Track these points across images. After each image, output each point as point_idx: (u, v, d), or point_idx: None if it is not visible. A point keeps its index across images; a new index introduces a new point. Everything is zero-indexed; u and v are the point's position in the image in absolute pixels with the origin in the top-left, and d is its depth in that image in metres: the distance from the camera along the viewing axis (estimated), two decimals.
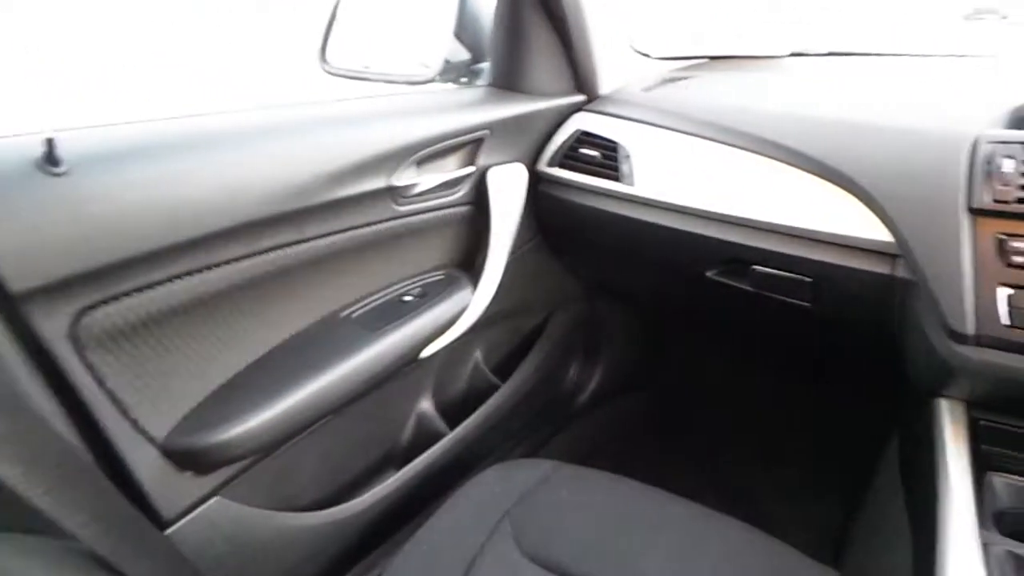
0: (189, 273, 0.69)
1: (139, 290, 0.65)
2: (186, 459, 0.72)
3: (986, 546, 0.63)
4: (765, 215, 0.89)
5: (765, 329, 1.24)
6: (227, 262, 0.73)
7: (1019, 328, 0.67)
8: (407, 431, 1.13)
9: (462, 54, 1.16)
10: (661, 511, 0.84)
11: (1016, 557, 0.62)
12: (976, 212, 0.71)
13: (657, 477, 0.88)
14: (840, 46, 1.36)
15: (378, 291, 0.95)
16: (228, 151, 0.73)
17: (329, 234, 0.83)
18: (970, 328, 0.69)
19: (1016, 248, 0.68)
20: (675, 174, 0.98)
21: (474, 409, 1.16)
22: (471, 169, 0.99)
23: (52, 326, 0.60)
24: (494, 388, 1.22)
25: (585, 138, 1.06)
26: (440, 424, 1.13)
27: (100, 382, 0.64)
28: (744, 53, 1.35)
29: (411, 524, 1.07)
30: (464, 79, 1.17)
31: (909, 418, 0.90)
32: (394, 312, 0.93)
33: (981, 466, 0.72)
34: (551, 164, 1.09)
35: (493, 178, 1.02)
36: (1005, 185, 0.70)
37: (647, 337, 1.63)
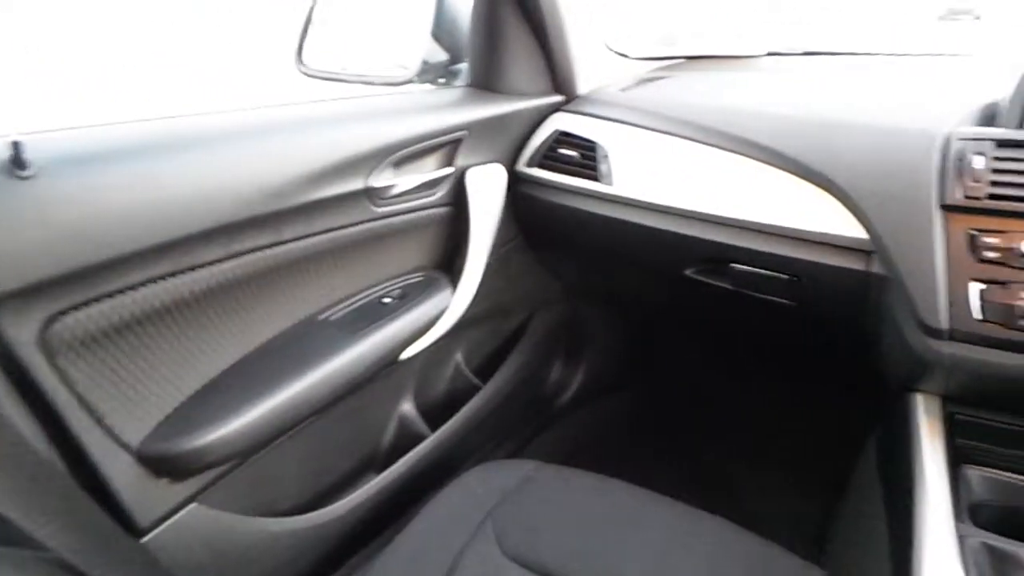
0: (163, 277, 0.68)
1: (111, 295, 0.64)
2: (162, 465, 0.71)
3: (962, 538, 0.64)
4: (742, 213, 0.89)
5: (744, 327, 1.25)
6: (202, 265, 0.72)
7: (991, 323, 0.68)
8: (388, 433, 1.12)
9: (440, 55, 1.15)
10: (644, 510, 0.84)
11: (991, 549, 0.63)
12: (948, 208, 0.72)
13: (640, 476, 0.88)
14: (840, 46, 1.37)
15: (357, 293, 0.95)
16: (202, 153, 0.72)
17: (306, 236, 0.82)
18: (943, 323, 0.70)
19: (987, 244, 0.69)
20: (653, 173, 0.98)
21: (456, 410, 1.16)
22: (450, 170, 0.99)
23: (21, 333, 0.59)
24: (476, 389, 1.21)
25: (564, 138, 1.06)
26: (422, 426, 1.13)
27: (72, 389, 0.63)
28: (721, 53, 1.36)
29: (393, 527, 1.06)
30: (442, 80, 1.16)
31: (886, 413, 0.91)
32: (374, 314, 0.92)
33: (957, 459, 0.73)
34: (530, 164, 1.09)
35: (472, 179, 1.02)
36: (976, 181, 0.71)
37: (629, 337, 1.63)
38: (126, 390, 0.68)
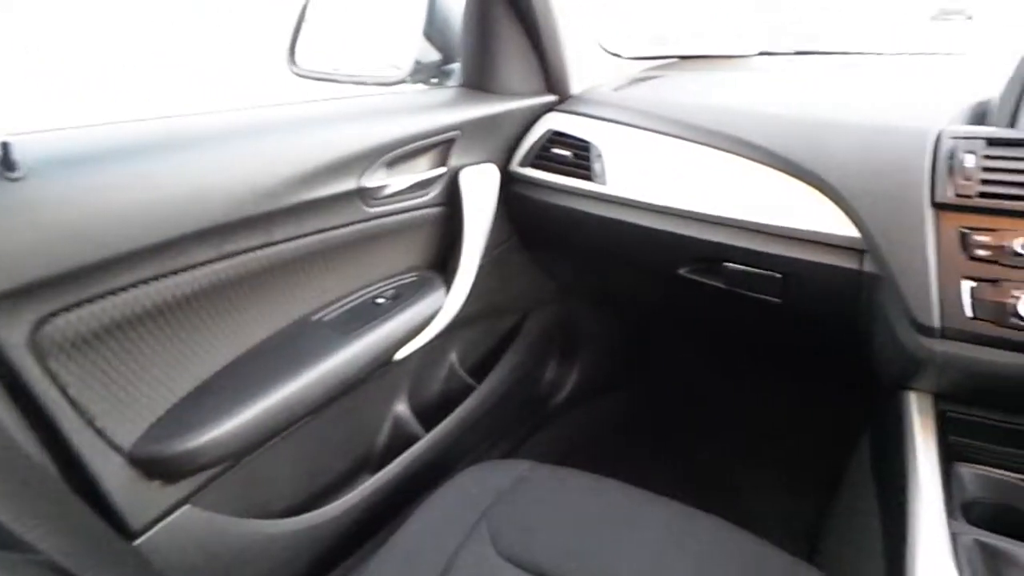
0: (155, 278, 0.68)
1: (102, 296, 0.64)
2: (154, 467, 0.71)
3: (955, 536, 0.64)
4: (735, 212, 0.89)
5: (738, 326, 1.25)
6: (194, 266, 0.71)
7: (983, 320, 0.68)
8: (383, 434, 1.12)
9: (432, 55, 1.15)
10: (638, 510, 0.84)
11: (984, 546, 0.63)
12: (939, 207, 0.72)
13: (634, 476, 0.88)
14: (832, 45, 1.38)
15: (350, 294, 0.95)
16: (194, 153, 0.72)
17: (299, 237, 0.82)
18: (935, 321, 0.70)
19: (979, 241, 0.69)
20: (646, 173, 0.98)
21: (450, 411, 1.16)
22: (443, 170, 0.99)
23: (11, 335, 0.58)
24: (470, 389, 1.21)
25: (557, 138, 1.06)
26: (416, 426, 1.13)
27: (63, 391, 0.63)
28: (714, 53, 1.36)
29: (388, 528, 1.06)
30: (435, 80, 1.16)
31: (879, 412, 0.91)
32: (367, 314, 0.92)
33: (949, 457, 0.74)
34: (523, 164, 1.09)
35: (465, 179, 1.02)
36: (967, 180, 0.71)
37: (623, 337, 1.63)
38: (118, 392, 0.68)
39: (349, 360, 0.86)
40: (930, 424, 0.77)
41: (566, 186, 1.05)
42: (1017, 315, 0.66)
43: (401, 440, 1.10)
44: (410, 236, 1.01)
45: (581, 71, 1.13)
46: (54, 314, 0.61)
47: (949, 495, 0.69)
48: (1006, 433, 0.75)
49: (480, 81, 1.09)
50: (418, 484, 1.07)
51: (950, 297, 0.70)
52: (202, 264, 0.72)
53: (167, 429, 0.72)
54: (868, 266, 0.80)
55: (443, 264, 1.06)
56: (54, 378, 0.62)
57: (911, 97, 0.96)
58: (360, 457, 1.09)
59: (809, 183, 0.83)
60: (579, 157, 1.03)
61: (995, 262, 0.69)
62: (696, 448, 1.52)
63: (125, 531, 0.69)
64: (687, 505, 0.84)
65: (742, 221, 0.89)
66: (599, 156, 1.01)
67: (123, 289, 0.66)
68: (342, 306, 0.93)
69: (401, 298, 0.97)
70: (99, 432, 0.67)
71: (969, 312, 0.69)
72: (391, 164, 0.91)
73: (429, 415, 1.15)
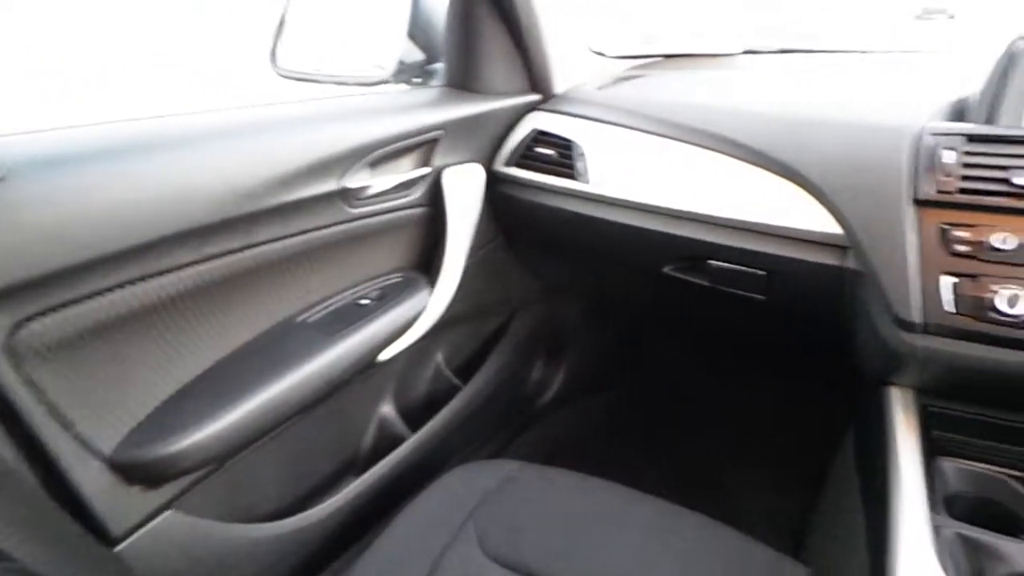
0: (133, 281, 0.67)
1: (80, 300, 0.63)
2: (135, 472, 0.70)
3: (937, 529, 0.65)
4: (719, 210, 0.89)
5: (723, 324, 1.25)
6: (174, 269, 0.71)
7: (963, 315, 0.69)
8: (368, 436, 1.12)
9: (416, 54, 1.15)
10: (625, 508, 0.84)
11: (966, 539, 0.64)
12: (920, 203, 0.73)
13: (621, 475, 0.89)
14: (817, 44, 1.39)
15: (334, 295, 0.94)
16: (174, 154, 0.71)
17: (281, 238, 0.82)
18: (916, 316, 0.71)
19: (959, 237, 0.70)
20: (630, 171, 0.98)
21: (437, 411, 1.16)
22: (426, 170, 0.98)
23: None
24: (456, 390, 1.21)
25: (541, 137, 1.06)
26: (402, 427, 1.12)
27: (40, 396, 0.62)
28: (698, 51, 1.37)
29: (374, 530, 1.05)
30: (418, 80, 1.16)
31: (862, 408, 0.92)
32: (351, 316, 0.91)
33: (931, 451, 0.74)
34: (507, 164, 1.09)
35: (449, 179, 1.01)
36: (947, 176, 0.72)
37: (610, 336, 1.64)
38: (97, 396, 0.67)
39: (333, 361, 0.86)
40: (912, 419, 0.78)
41: (550, 185, 1.05)
42: (996, 310, 0.67)
43: (387, 442, 1.09)
44: (394, 237, 1.00)
45: (565, 70, 1.13)
46: (30, 318, 0.60)
47: (931, 489, 0.69)
48: (987, 427, 0.76)
49: (464, 81, 1.09)
50: (404, 486, 1.07)
51: (931, 293, 0.70)
52: (183, 266, 0.71)
53: (148, 433, 0.71)
54: (850, 263, 0.80)
55: (428, 264, 1.06)
56: (30, 384, 0.61)
57: (893, 95, 0.97)
58: (346, 459, 1.08)
59: (792, 180, 0.83)
60: (563, 156, 1.03)
61: (975, 257, 0.69)
62: (682, 447, 1.52)
63: (105, 537, 0.69)
64: (673, 503, 0.84)
65: (726, 219, 0.89)
66: (582, 155, 1.01)
67: (102, 292, 0.65)
68: (326, 307, 0.92)
69: (385, 299, 0.96)
70: (78, 437, 0.66)
71: (950, 307, 0.70)
72: (374, 164, 0.90)
73: (415, 416, 1.15)
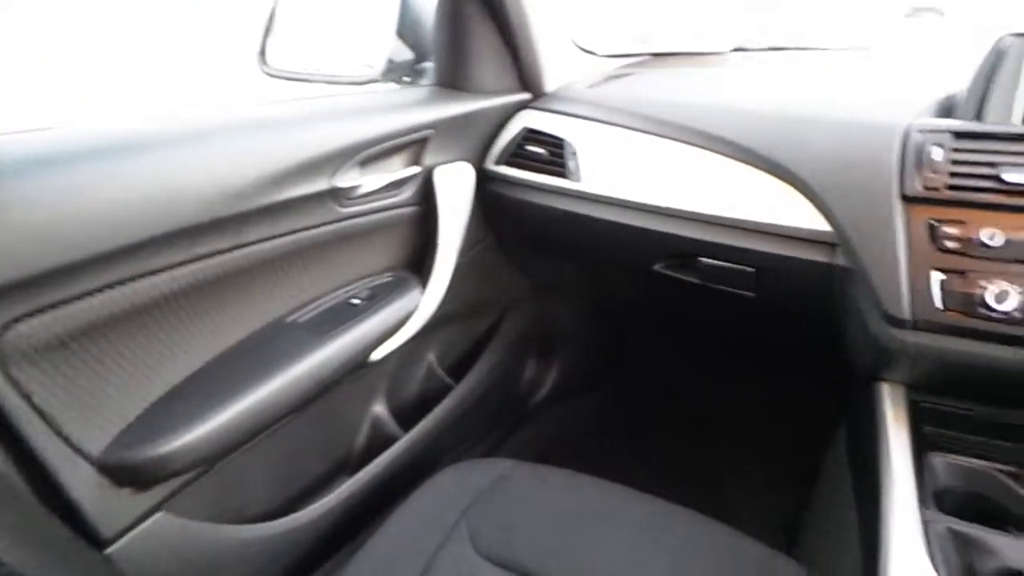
0: (122, 282, 0.67)
1: (68, 301, 0.63)
2: (125, 474, 0.70)
3: (927, 524, 0.65)
4: (708, 208, 0.90)
5: (714, 321, 1.26)
6: (164, 269, 0.70)
7: (952, 311, 0.69)
8: (361, 436, 1.11)
9: (405, 53, 1.14)
10: (617, 506, 0.84)
11: (956, 534, 0.64)
12: (909, 200, 0.73)
13: (614, 473, 0.89)
14: (807, 42, 1.39)
15: (324, 295, 0.94)
16: (163, 154, 0.70)
17: (271, 238, 0.81)
18: (906, 313, 0.71)
19: (947, 233, 0.70)
20: (621, 169, 0.98)
21: (429, 411, 1.15)
22: (416, 169, 0.98)
23: None
24: (448, 389, 1.21)
25: (531, 135, 1.06)
26: (394, 427, 1.12)
27: (27, 399, 0.61)
28: (688, 49, 1.37)
29: (366, 530, 1.05)
30: (407, 79, 1.15)
31: (853, 403, 0.92)
32: (342, 316, 0.91)
33: (922, 447, 0.74)
34: (498, 162, 1.09)
35: (439, 178, 1.01)
36: (935, 172, 0.72)
37: (602, 334, 1.64)
38: (85, 398, 0.67)
39: (324, 361, 0.85)
40: (903, 415, 0.78)
41: (541, 184, 1.05)
42: (985, 305, 0.67)
43: (379, 441, 1.09)
44: (385, 236, 1.00)
45: (555, 69, 1.13)
46: (17, 320, 0.59)
47: (922, 484, 0.70)
48: (977, 423, 0.76)
49: (453, 79, 1.09)
50: (397, 485, 1.06)
51: (920, 289, 0.71)
52: (172, 266, 0.71)
53: (138, 435, 0.70)
54: (840, 260, 0.80)
55: (419, 264, 1.06)
56: (17, 386, 0.61)
57: (882, 92, 0.97)
58: (338, 459, 1.08)
59: (781, 178, 0.84)
60: (554, 155, 1.03)
61: (963, 253, 0.70)
62: (674, 444, 1.53)
63: (95, 540, 0.68)
64: (666, 501, 0.84)
65: (715, 216, 0.89)
66: (573, 153, 1.01)
67: (91, 293, 0.64)
68: (316, 307, 0.92)
69: (376, 298, 0.96)
70: (67, 439, 0.65)
71: (939, 303, 0.70)
72: (364, 164, 0.90)
73: (407, 416, 1.14)
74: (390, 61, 1.06)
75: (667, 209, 0.93)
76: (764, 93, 1.02)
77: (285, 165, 0.79)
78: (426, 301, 1.02)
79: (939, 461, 0.74)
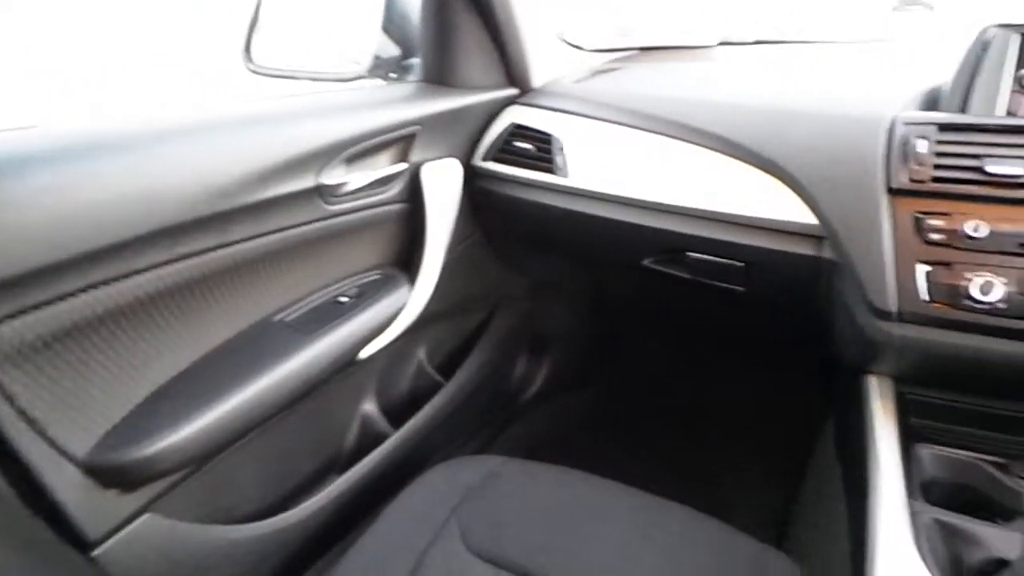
0: (106, 282, 0.66)
1: (52, 301, 0.62)
2: (111, 476, 0.69)
3: (914, 515, 0.65)
4: (696, 202, 0.90)
5: (703, 316, 1.26)
6: (148, 268, 0.69)
7: (938, 303, 0.70)
8: (350, 434, 1.11)
9: (391, 49, 1.14)
10: (608, 502, 0.84)
11: (942, 524, 0.65)
12: (894, 192, 0.74)
13: (605, 468, 0.89)
14: (793, 35, 1.39)
15: (312, 293, 0.93)
16: (147, 152, 0.70)
17: (257, 236, 0.80)
18: (892, 305, 0.71)
19: (933, 226, 0.71)
20: (609, 164, 0.98)
21: (419, 408, 1.15)
22: (404, 166, 0.98)
23: None
24: (439, 386, 1.20)
25: (519, 131, 1.06)
26: (384, 425, 1.11)
27: (10, 400, 0.61)
28: (674, 43, 1.37)
29: (357, 529, 1.05)
30: (394, 75, 1.15)
31: (841, 396, 0.93)
32: (329, 314, 0.91)
33: (909, 438, 0.75)
34: (486, 158, 1.09)
35: (427, 174, 1.01)
36: (920, 165, 0.72)
37: (592, 330, 1.64)
38: (70, 400, 0.66)
39: (312, 360, 0.85)
40: (890, 407, 0.78)
41: (529, 179, 1.04)
42: (970, 297, 0.68)
43: (369, 439, 1.09)
44: (372, 233, 1.00)
45: (542, 64, 1.13)
46: (0, 320, 0.59)
47: (909, 476, 0.70)
48: (963, 414, 0.77)
49: (440, 75, 1.08)
50: (387, 483, 1.06)
51: (906, 281, 0.71)
52: (157, 266, 0.70)
53: (123, 436, 0.70)
54: (827, 253, 0.81)
55: (407, 261, 1.05)
56: (1, 386, 0.60)
57: (866, 84, 0.98)
58: (327, 458, 1.07)
59: (768, 171, 0.84)
60: (541, 150, 1.03)
61: (948, 245, 0.70)
62: (665, 440, 1.53)
63: (81, 543, 0.67)
64: (657, 496, 0.84)
65: (703, 211, 0.89)
66: (561, 149, 1.01)
67: (75, 293, 0.63)
68: (304, 305, 0.91)
69: (364, 296, 0.95)
70: (51, 441, 0.64)
71: (925, 295, 0.70)
72: (350, 161, 0.89)
73: (397, 413, 1.14)
74: (376, 57, 1.05)
75: (655, 204, 0.93)
76: (751, 87, 1.02)
77: (271, 162, 0.78)
78: (414, 298, 1.01)
79: (926, 452, 0.75)
